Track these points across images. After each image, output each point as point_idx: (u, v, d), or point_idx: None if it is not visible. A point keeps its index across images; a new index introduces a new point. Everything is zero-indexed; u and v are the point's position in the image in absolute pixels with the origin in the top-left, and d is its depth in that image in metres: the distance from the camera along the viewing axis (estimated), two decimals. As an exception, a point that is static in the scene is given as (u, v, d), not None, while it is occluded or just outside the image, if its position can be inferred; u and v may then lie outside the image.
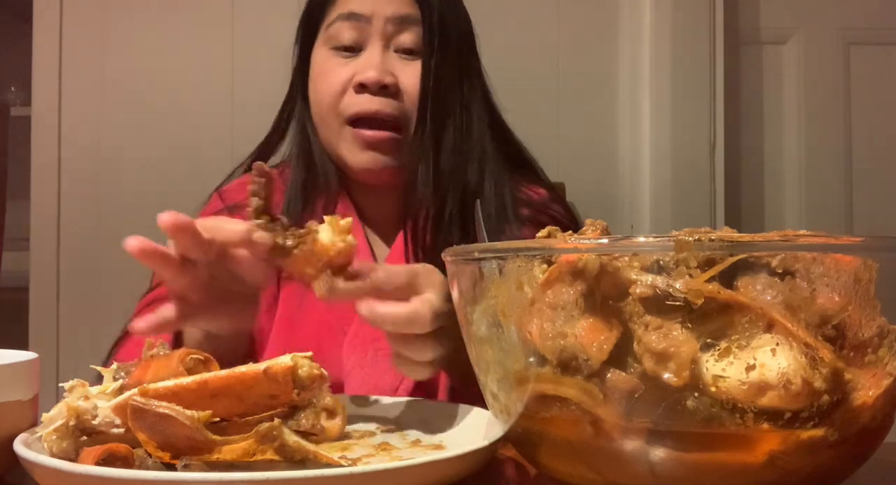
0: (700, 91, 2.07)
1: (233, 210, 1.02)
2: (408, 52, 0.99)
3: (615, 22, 2.08)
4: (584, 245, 0.45)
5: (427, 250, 0.97)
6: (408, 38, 0.99)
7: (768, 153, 2.23)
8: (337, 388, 0.93)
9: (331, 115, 0.99)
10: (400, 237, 1.02)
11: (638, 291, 0.43)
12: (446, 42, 0.99)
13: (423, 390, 0.93)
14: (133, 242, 0.61)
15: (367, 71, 0.96)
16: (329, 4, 1.03)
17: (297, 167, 1.04)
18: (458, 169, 0.99)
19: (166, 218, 0.61)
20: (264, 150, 1.09)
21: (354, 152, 0.98)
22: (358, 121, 0.97)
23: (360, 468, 0.47)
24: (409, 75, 0.98)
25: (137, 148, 1.97)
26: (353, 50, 1.00)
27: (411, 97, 0.98)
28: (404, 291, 0.66)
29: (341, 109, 0.98)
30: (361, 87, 0.96)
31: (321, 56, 1.02)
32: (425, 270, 0.71)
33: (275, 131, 1.09)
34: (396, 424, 0.70)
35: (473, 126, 1.02)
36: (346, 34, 0.99)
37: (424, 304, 0.65)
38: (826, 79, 2.21)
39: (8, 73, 2.42)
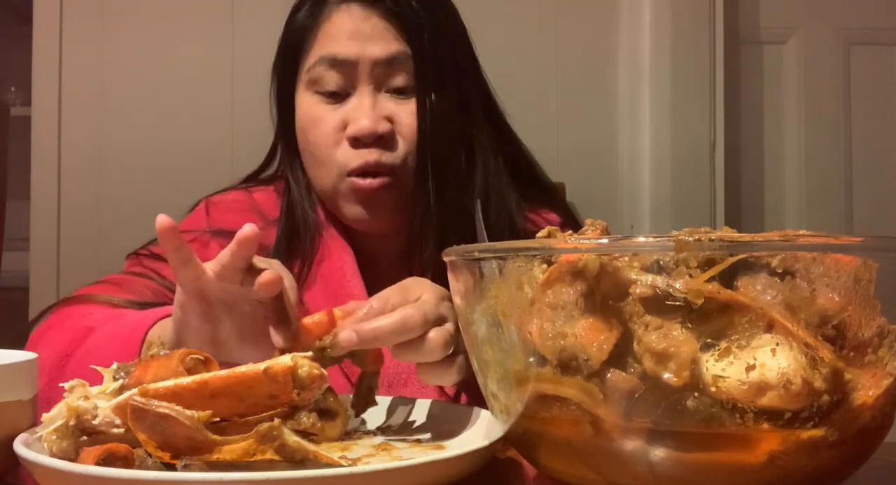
0: (700, 91, 2.07)
1: (216, 235, 0.98)
2: (401, 92, 0.93)
3: (615, 22, 2.08)
4: (584, 245, 0.45)
5: None
6: (400, 78, 0.92)
7: (768, 153, 2.23)
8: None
9: (327, 166, 0.93)
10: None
11: (638, 291, 0.43)
12: (442, 76, 0.93)
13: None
14: (166, 220, 0.60)
15: (359, 121, 0.90)
16: (306, 45, 0.95)
17: (281, 216, 0.99)
18: (463, 207, 0.93)
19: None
20: (253, 177, 1.07)
21: (351, 204, 0.94)
22: (359, 173, 0.92)
23: (360, 468, 0.47)
24: (406, 115, 0.92)
25: (137, 148, 1.97)
26: (340, 95, 0.93)
27: (408, 139, 0.92)
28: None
29: (340, 164, 0.92)
30: (356, 141, 0.91)
31: (306, 102, 0.95)
32: (412, 280, 0.70)
33: (261, 168, 1.06)
34: (397, 424, 0.70)
35: (477, 159, 0.97)
36: (331, 80, 0.92)
37: (409, 306, 0.64)
38: (826, 79, 2.21)
39: (8, 73, 2.42)
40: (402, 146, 0.92)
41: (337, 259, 0.97)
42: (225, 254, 0.63)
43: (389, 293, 0.67)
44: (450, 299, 0.68)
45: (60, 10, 1.96)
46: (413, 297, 0.67)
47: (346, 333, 0.62)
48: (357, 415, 0.68)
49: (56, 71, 1.96)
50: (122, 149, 1.97)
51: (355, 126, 0.90)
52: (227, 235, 0.95)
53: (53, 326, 0.84)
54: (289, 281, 0.66)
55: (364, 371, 0.68)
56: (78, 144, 1.97)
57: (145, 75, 1.98)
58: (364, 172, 0.91)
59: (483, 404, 0.69)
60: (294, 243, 0.97)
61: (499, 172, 0.99)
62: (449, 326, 0.66)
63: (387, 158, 0.91)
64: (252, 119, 1.93)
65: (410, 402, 0.73)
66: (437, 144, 0.92)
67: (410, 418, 0.71)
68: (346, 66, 0.92)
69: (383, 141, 0.91)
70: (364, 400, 0.68)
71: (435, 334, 0.64)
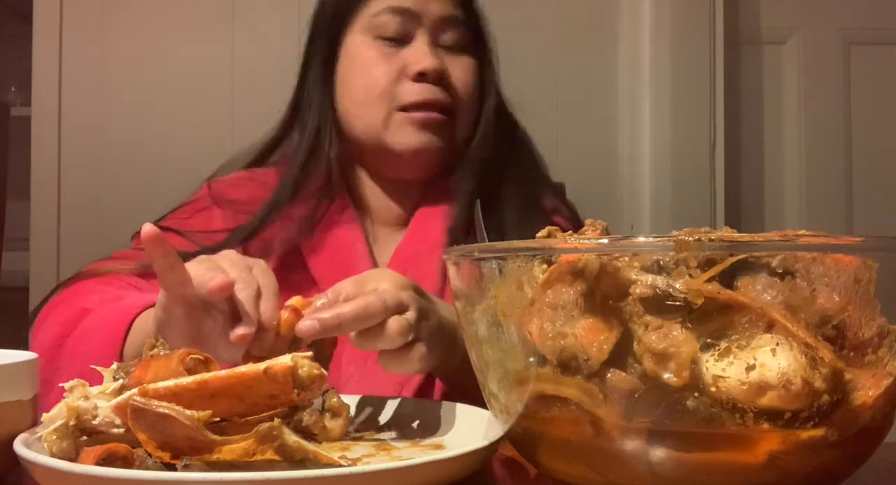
0: (700, 91, 2.07)
1: (217, 202, 1.04)
2: (451, 49, 1.04)
3: (615, 22, 2.08)
4: (584, 245, 0.45)
5: (465, 230, 1.00)
6: (451, 35, 1.03)
7: (768, 153, 2.22)
8: None
9: (379, 102, 1.01)
10: (408, 234, 1.04)
11: (638, 291, 0.43)
12: (487, 41, 1.07)
13: (426, 392, 0.93)
14: (150, 229, 0.60)
15: (424, 60, 0.99)
16: None
17: (293, 164, 1.04)
18: (494, 150, 1.05)
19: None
20: (267, 149, 1.11)
21: (407, 134, 1.01)
22: (415, 107, 1.00)
23: (360, 468, 0.47)
24: (458, 69, 1.03)
25: (137, 148, 1.97)
26: (398, 41, 1.02)
27: (458, 89, 1.02)
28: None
29: (395, 97, 1.00)
30: (420, 77, 0.99)
31: (359, 43, 1.03)
32: (373, 272, 0.72)
33: (282, 129, 1.11)
34: (396, 424, 0.70)
35: (504, 115, 1.09)
36: (393, 26, 1.02)
37: (370, 294, 0.65)
38: (826, 79, 2.21)
39: (8, 73, 2.42)
40: (455, 93, 1.02)
41: (348, 232, 1.03)
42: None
43: (344, 284, 0.68)
44: (412, 288, 0.70)
45: (60, 10, 1.96)
46: (369, 287, 0.68)
47: (308, 323, 0.63)
48: None
49: (56, 71, 1.96)
50: (122, 149, 1.97)
51: (421, 64, 0.99)
52: (228, 203, 1.04)
53: (57, 305, 0.88)
54: (269, 286, 0.66)
55: (318, 356, 0.68)
56: (78, 144, 1.96)
57: (145, 75, 1.98)
58: (421, 106, 1.00)
59: (461, 398, 0.70)
60: (310, 179, 1.03)
61: (532, 158, 1.12)
62: (409, 313, 0.67)
63: (443, 96, 1.01)
64: (252, 119, 1.93)
65: (410, 402, 0.73)
66: (485, 95, 1.05)
67: (410, 418, 0.71)
68: (409, 16, 1.02)
69: (443, 82, 1.01)
70: None
71: (394, 322, 0.65)
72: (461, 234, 1.00)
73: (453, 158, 1.05)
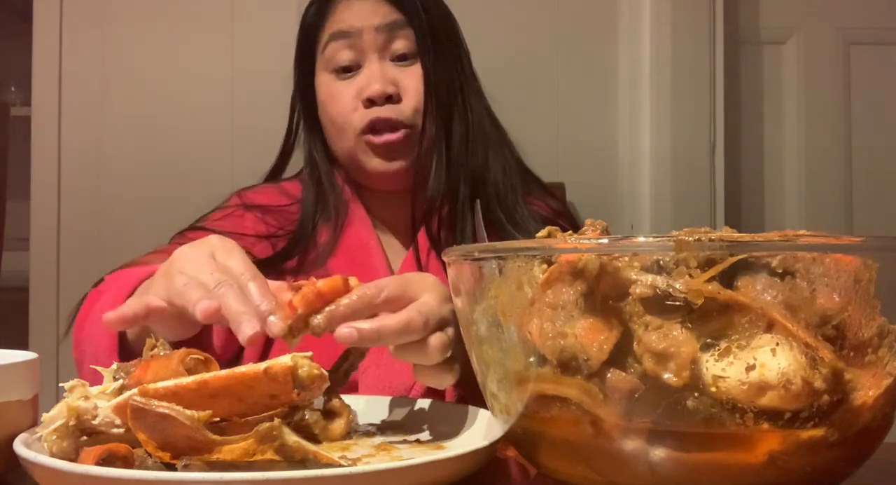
0: (700, 91, 2.06)
1: (249, 208, 1.09)
2: (402, 58, 1.06)
3: (615, 22, 2.08)
4: (584, 245, 0.45)
5: (444, 239, 1.04)
6: (400, 44, 1.05)
7: (768, 153, 2.22)
8: (350, 386, 0.93)
9: (346, 130, 1.06)
10: (418, 241, 1.06)
11: (638, 291, 0.43)
12: (438, 40, 1.06)
13: (436, 391, 0.93)
14: (110, 318, 0.62)
15: (371, 85, 1.03)
16: (319, 28, 1.09)
17: (308, 185, 1.11)
18: (467, 155, 1.06)
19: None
20: (273, 174, 1.16)
21: (370, 158, 1.05)
22: (371, 130, 1.04)
23: (360, 468, 0.47)
24: (409, 79, 1.05)
25: (137, 148, 1.97)
26: (352, 69, 1.06)
27: (413, 100, 1.04)
28: (400, 303, 0.64)
29: (355, 124, 1.04)
30: (369, 102, 1.03)
31: (324, 81, 1.08)
32: (417, 276, 0.70)
33: (281, 157, 1.16)
34: (397, 424, 0.70)
35: (472, 116, 1.08)
36: (343, 54, 1.06)
37: (413, 309, 0.63)
38: (826, 79, 2.21)
39: (8, 73, 2.42)
40: (408, 104, 1.04)
41: (362, 231, 1.07)
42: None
43: (388, 283, 0.65)
44: (451, 300, 0.68)
45: (60, 10, 1.96)
46: (412, 293, 0.66)
47: (347, 331, 0.61)
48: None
49: (56, 71, 1.96)
50: (122, 149, 1.97)
51: (368, 90, 1.03)
52: (258, 208, 1.09)
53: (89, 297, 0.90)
54: (246, 273, 0.63)
55: (351, 349, 0.67)
56: (78, 144, 1.96)
57: (145, 75, 1.98)
58: (377, 127, 1.04)
59: (474, 400, 0.70)
60: (321, 205, 1.09)
61: (499, 140, 1.12)
62: (449, 330, 0.65)
63: (396, 114, 1.04)
64: (251, 119, 1.94)
65: (410, 402, 0.73)
66: (441, 96, 1.04)
67: (410, 418, 0.71)
68: (352, 37, 1.05)
69: (392, 101, 1.04)
70: (340, 378, 0.67)
71: (435, 340, 0.63)
72: (445, 240, 1.03)
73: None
